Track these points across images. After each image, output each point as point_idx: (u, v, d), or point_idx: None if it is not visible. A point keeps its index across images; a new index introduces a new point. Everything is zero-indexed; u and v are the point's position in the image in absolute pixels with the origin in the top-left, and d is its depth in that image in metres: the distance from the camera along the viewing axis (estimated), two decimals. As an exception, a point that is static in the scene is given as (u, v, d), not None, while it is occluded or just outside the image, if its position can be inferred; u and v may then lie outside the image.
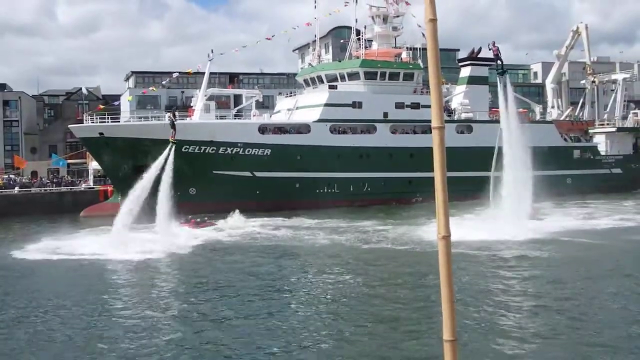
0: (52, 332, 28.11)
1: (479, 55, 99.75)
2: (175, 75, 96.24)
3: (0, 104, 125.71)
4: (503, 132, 64.24)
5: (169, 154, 65.86)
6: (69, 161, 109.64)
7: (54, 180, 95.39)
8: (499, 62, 79.85)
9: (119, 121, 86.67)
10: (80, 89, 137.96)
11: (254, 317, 29.27)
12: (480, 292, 33.19)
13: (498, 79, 72.51)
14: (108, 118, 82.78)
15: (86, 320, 29.70)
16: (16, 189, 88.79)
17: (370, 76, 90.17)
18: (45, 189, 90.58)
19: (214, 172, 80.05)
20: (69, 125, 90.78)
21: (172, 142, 68.85)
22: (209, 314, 30.22)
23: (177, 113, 79.99)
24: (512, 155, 59.82)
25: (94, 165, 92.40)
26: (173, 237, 54.60)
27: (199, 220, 65.22)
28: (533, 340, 24.99)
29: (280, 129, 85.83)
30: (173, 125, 71.12)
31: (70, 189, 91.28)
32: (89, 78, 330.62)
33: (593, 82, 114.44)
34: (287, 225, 65.11)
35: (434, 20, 7.49)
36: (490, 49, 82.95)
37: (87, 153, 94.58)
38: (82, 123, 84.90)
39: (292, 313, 30.24)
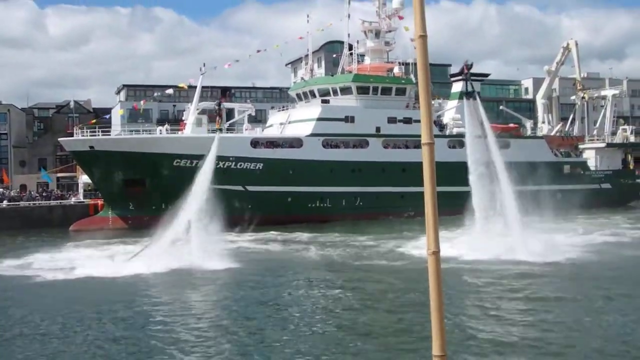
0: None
1: (471, 71, 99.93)
2: (169, 91, 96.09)
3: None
4: (467, 148, 63.43)
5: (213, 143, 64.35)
6: (59, 175, 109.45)
7: (44, 194, 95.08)
8: (466, 82, 78.84)
9: (109, 135, 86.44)
10: (70, 102, 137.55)
11: (242, 335, 29.14)
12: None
13: (465, 101, 71.74)
14: (99, 131, 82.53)
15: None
16: (4, 202, 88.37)
17: (362, 91, 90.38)
18: (35, 202, 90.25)
19: (206, 186, 79.94)
20: (59, 139, 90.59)
21: (218, 129, 68.33)
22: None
23: (222, 101, 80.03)
24: (477, 171, 58.80)
25: (84, 178, 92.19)
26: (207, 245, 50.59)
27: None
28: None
29: (273, 143, 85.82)
30: (219, 112, 70.42)
31: (60, 202, 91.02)
32: (80, 91, 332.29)
33: (583, 98, 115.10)
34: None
35: (424, 37, 7.52)
36: (461, 70, 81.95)
37: (77, 166, 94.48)
38: (73, 136, 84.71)
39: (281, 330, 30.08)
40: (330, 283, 42.01)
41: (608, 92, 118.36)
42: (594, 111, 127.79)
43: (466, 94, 72.13)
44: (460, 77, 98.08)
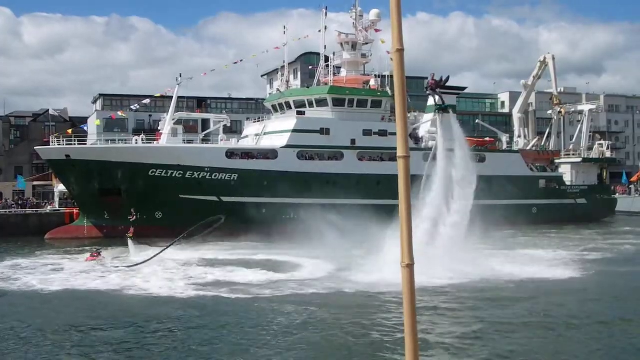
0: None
1: (447, 84, 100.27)
2: (146, 101, 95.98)
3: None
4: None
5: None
6: (35, 183, 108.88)
7: (19, 202, 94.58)
8: (436, 97, 78.17)
9: (85, 144, 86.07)
10: (47, 110, 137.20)
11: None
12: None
13: (438, 115, 70.87)
14: (75, 140, 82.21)
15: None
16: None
17: (338, 103, 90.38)
18: (10, 210, 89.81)
19: (181, 196, 79.78)
20: (36, 147, 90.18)
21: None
22: None
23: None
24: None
25: (60, 187, 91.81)
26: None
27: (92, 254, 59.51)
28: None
29: (248, 154, 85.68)
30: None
31: (36, 211, 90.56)
32: (56, 100, 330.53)
33: (559, 112, 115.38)
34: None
35: (400, 50, 7.55)
36: (427, 85, 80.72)
37: (53, 175, 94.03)
38: (49, 145, 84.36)
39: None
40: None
41: (585, 107, 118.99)
42: (570, 126, 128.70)
43: (439, 109, 71.60)
44: (428, 92, 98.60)
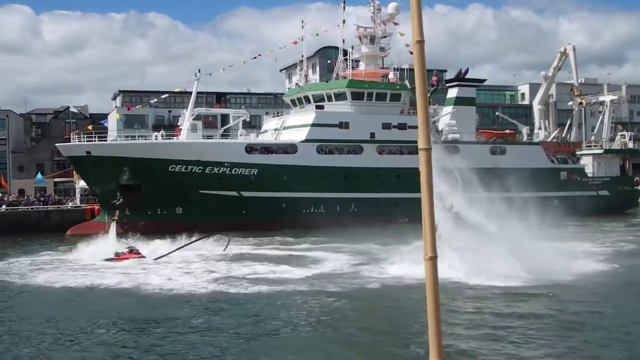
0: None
1: (466, 76, 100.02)
2: (164, 96, 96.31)
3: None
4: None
5: None
6: (56, 180, 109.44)
7: (41, 199, 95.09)
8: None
9: (106, 140, 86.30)
10: (68, 107, 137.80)
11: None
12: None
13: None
14: (95, 137, 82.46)
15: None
16: (3, 207, 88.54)
17: (357, 96, 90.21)
18: (32, 207, 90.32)
19: (201, 191, 79.92)
20: (56, 144, 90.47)
21: None
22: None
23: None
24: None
25: (81, 184, 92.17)
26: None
27: (119, 252, 56.79)
28: None
29: (267, 149, 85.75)
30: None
31: (58, 207, 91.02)
32: (75, 97, 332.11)
33: (580, 103, 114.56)
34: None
35: (421, 42, 7.48)
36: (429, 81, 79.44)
37: (74, 172, 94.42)
38: (70, 142, 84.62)
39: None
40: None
41: (606, 98, 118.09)
42: (591, 117, 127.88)
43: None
44: (457, 83, 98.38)
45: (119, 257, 55.44)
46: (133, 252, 56.53)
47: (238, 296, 38.72)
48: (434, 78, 76.47)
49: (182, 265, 51.74)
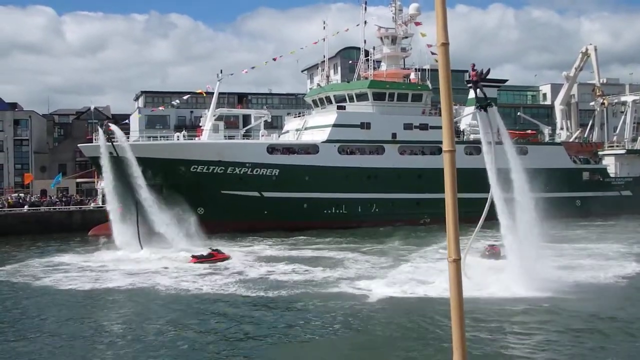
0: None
1: (488, 77, 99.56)
2: (186, 97, 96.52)
3: (11, 123, 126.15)
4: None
5: None
6: (78, 180, 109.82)
7: (63, 199, 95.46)
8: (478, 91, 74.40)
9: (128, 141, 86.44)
10: (90, 108, 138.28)
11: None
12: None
13: (478, 115, 64.74)
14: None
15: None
16: (25, 207, 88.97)
17: (378, 97, 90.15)
18: (55, 207, 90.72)
19: (222, 192, 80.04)
20: (79, 145, 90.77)
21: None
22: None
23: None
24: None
25: (103, 184, 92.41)
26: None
27: (200, 255, 57.59)
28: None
29: (289, 149, 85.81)
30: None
31: (80, 207, 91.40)
32: (97, 97, 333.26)
33: (602, 103, 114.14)
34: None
35: (446, 44, 7.47)
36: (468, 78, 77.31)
37: (96, 172, 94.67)
38: (92, 142, 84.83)
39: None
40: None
41: (628, 98, 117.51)
42: (613, 117, 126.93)
43: (480, 106, 67.85)
44: (469, 85, 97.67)
45: (207, 257, 56.58)
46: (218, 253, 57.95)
47: (260, 300, 38.92)
48: (473, 73, 74.51)
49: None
